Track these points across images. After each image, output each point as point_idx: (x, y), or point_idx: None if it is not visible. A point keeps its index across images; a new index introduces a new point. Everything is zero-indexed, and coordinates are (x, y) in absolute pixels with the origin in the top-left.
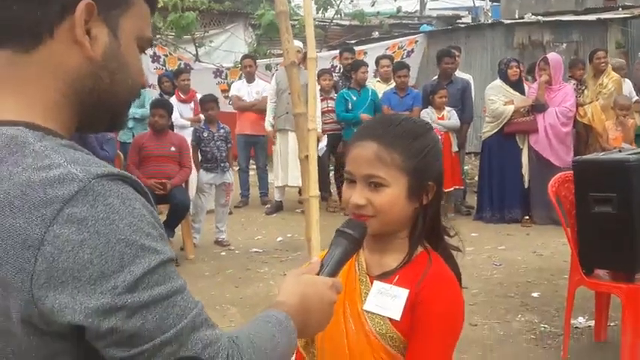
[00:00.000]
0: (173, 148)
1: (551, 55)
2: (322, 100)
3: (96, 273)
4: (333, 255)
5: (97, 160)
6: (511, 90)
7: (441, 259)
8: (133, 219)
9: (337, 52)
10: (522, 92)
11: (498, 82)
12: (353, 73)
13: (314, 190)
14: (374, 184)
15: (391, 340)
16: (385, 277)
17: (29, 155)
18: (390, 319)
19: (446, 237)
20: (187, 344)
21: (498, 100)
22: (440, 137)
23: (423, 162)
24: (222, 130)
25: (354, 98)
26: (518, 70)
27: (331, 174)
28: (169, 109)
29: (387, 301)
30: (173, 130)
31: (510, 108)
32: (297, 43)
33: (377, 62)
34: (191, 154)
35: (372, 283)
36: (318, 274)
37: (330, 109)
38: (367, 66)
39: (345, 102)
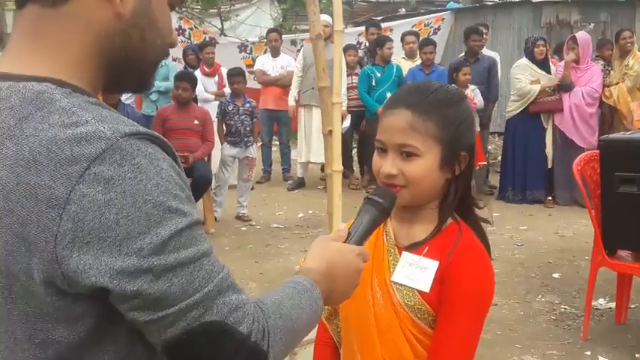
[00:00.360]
0: (197, 122)
1: (580, 34)
2: (347, 76)
3: (122, 234)
4: (361, 223)
5: (125, 119)
6: (537, 69)
7: (470, 231)
8: (160, 180)
9: (363, 28)
10: (548, 71)
11: (525, 60)
12: (378, 48)
13: (337, 164)
14: (406, 154)
15: (419, 312)
16: (414, 248)
17: (56, 112)
18: (419, 291)
19: (475, 209)
20: (213, 308)
21: (524, 78)
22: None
23: (457, 131)
24: (247, 105)
25: (378, 75)
26: (544, 49)
27: (354, 151)
28: (193, 82)
29: (416, 272)
30: (197, 104)
31: (536, 87)
32: (324, 17)
33: (402, 38)
34: (215, 127)
35: (400, 254)
36: (345, 242)
37: (354, 84)
38: (392, 41)
39: (368, 79)
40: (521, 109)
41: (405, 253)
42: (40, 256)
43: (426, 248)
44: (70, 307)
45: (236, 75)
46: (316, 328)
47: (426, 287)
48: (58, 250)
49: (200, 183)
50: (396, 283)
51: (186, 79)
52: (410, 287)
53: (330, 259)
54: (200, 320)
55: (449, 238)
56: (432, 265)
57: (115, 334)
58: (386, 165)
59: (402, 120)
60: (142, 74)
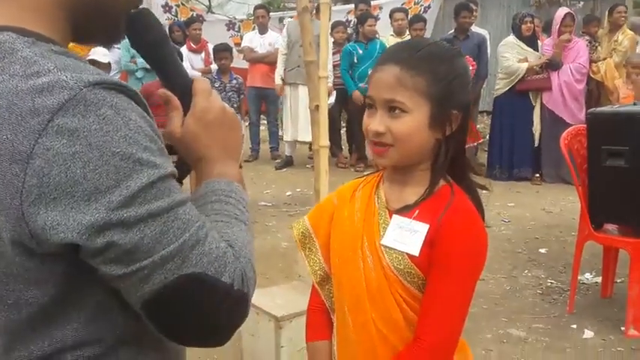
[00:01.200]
0: None
1: (563, 11)
2: (335, 53)
3: (90, 188)
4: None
5: (92, 67)
6: (524, 46)
7: (463, 194)
8: (128, 131)
9: (352, 6)
10: (536, 48)
11: (511, 38)
12: (360, 25)
13: (324, 140)
14: (394, 110)
15: (408, 275)
16: (405, 211)
17: (17, 62)
18: (409, 255)
19: (473, 176)
20: (191, 259)
21: (511, 57)
22: None
23: (448, 88)
24: (234, 81)
25: (360, 52)
26: (532, 25)
27: (343, 130)
28: (179, 57)
29: (406, 235)
30: None
31: (524, 65)
32: None
33: (391, 15)
34: None
35: (390, 217)
36: (183, 103)
37: (337, 62)
38: (375, 19)
39: (350, 56)
40: (508, 88)
41: (395, 217)
42: (6, 214)
43: (417, 211)
44: (40, 267)
45: (223, 50)
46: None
47: (415, 251)
48: (24, 208)
49: (185, 163)
50: (385, 247)
51: None
52: (399, 251)
53: (210, 135)
54: (178, 273)
55: (440, 201)
56: (422, 229)
57: (89, 292)
58: (373, 122)
59: (389, 75)
60: (112, 23)
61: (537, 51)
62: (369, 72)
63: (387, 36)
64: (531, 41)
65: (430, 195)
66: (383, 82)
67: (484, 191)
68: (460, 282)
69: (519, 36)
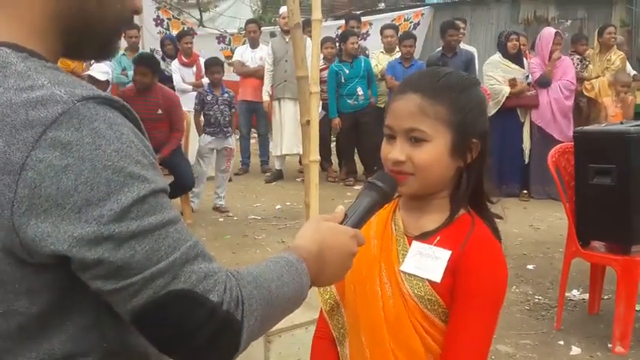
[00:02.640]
0: (160, 111)
1: (550, 30)
2: (324, 69)
3: (81, 200)
4: (359, 206)
5: (84, 82)
6: (510, 64)
7: (483, 223)
8: (120, 145)
9: (342, 22)
10: (522, 65)
11: (497, 56)
12: (342, 44)
13: (314, 154)
14: (415, 139)
15: (429, 302)
16: (425, 237)
17: (11, 76)
18: (430, 281)
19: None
20: (180, 276)
21: (496, 76)
22: None
23: (469, 117)
24: (226, 95)
25: (347, 71)
26: (517, 42)
27: (333, 144)
28: (154, 66)
29: (427, 262)
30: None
31: (506, 89)
32: (283, 9)
33: (381, 32)
34: (193, 118)
35: (410, 244)
36: (341, 224)
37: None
38: (357, 36)
39: (337, 76)
40: (495, 110)
41: (415, 243)
42: None
43: (438, 238)
44: (31, 277)
45: (214, 64)
46: (315, 321)
47: (437, 277)
48: (15, 218)
49: (178, 187)
50: (405, 273)
51: (143, 62)
52: (420, 277)
53: (321, 239)
54: (167, 289)
55: (461, 229)
56: (443, 255)
57: (79, 304)
58: (394, 151)
59: (410, 104)
60: (102, 41)
61: (523, 68)
62: (358, 89)
63: (377, 52)
64: (517, 59)
65: (451, 222)
66: (404, 112)
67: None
68: (485, 312)
69: (505, 54)
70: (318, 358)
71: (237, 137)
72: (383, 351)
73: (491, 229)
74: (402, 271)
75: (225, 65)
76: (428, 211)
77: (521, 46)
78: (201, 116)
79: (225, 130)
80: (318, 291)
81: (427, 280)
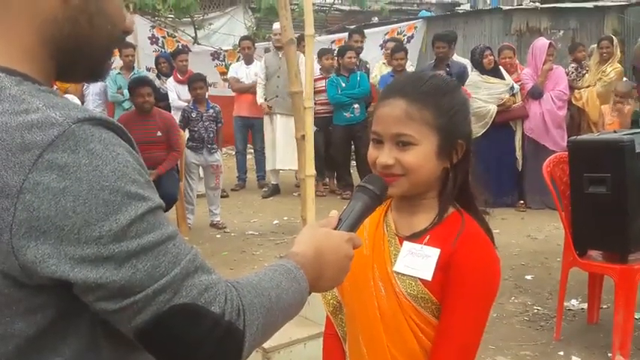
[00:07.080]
0: (159, 133)
1: (544, 41)
2: (321, 79)
3: (79, 222)
4: (352, 210)
5: (79, 105)
6: (491, 79)
7: (473, 220)
8: (117, 165)
9: (336, 35)
10: (501, 77)
11: (475, 76)
12: (340, 58)
13: (310, 169)
14: (402, 143)
15: (422, 300)
16: (415, 237)
17: (5, 100)
18: (421, 280)
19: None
20: (182, 291)
21: (480, 96)
22: None
23: (454, 119)
24: (211, 110)
25: (344, 85)
26: (492, 57)
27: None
28: (154, 86)
29: (418, 261)
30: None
31: (493, 107)
32: (276, 26)
33: (382, 46)
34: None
35: (401, 244)
36: (335, 229)
37: (323, 88)
38: (354, 51)
39: (335, 87)
40: (483, 131)
41: (406, 243)
42: None
43: (428, 237)
44: (29, 299)
45: (197, 80)
46: (324, 321)
47: (427, 275)
48: (14, 241)
49: (164, 200)
50: (397, 273)
51: (147, 83)
52: (412, 276)
53: (318, 245)
54: (169, 304)
55: (451, 227)
56: (433, 253)
57: (75, 325)
58: (382, 155)
59: (397, 109)
60: (94, 62)
61: (503, 79)
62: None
63: (378, 64)
64: (496, 72)
65: (440, 221)
66: (390, 117)
67: None
68: (476, 307)
69: (482, 70)
70: (328, 354)
71: (226, 153)
72: (380, 349)
73: (482, 225)
74: (394, 271)
75: (220, 81)
76: (418, 212)
77: (507, 59)
78: (186, 132)
79: (209, 146)
80: (321, 293)
81: (419, 278)
